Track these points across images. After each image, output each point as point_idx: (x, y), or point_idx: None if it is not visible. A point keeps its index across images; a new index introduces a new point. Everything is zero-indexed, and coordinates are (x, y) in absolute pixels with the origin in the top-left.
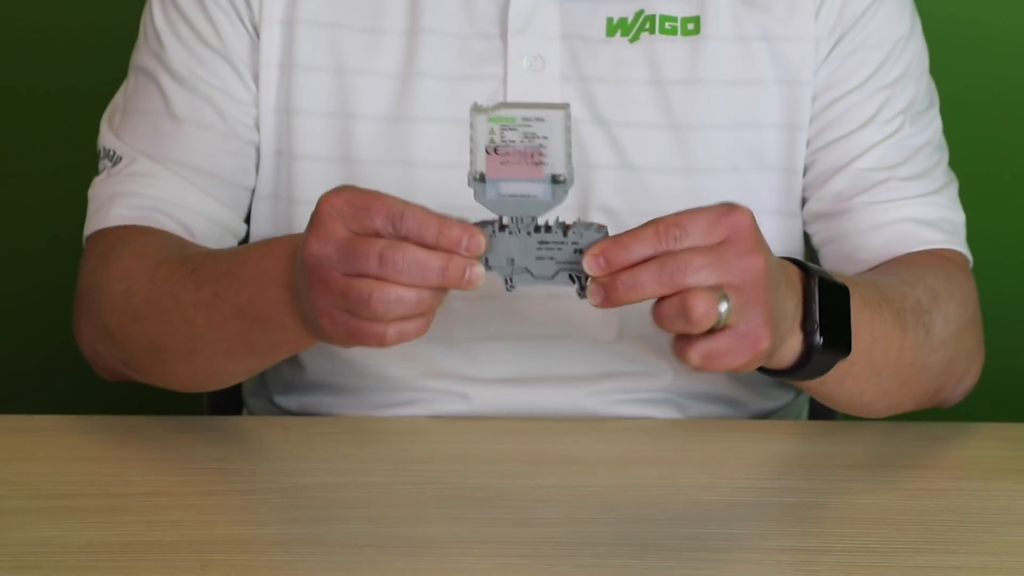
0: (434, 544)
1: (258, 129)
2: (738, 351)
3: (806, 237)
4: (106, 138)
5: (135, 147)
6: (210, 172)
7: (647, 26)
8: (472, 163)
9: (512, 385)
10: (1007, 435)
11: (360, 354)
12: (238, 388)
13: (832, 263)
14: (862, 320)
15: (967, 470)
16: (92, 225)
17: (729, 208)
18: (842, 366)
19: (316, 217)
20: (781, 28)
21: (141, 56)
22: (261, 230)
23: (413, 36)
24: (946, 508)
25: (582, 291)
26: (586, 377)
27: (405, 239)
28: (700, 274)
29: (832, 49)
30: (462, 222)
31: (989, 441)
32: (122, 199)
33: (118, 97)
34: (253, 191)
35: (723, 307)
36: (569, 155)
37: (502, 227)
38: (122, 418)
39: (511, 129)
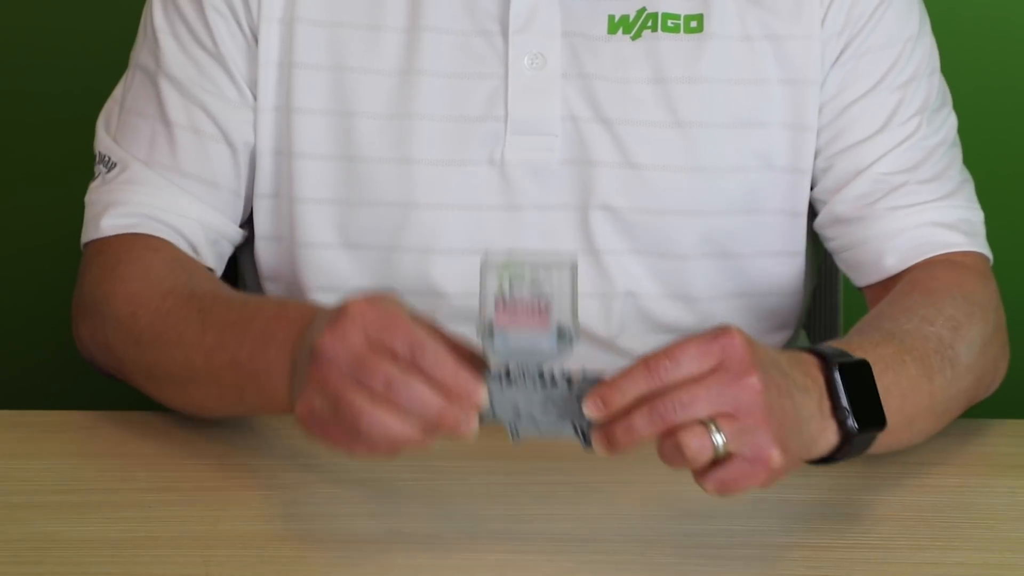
0: (437, 540)
1: (256, 130)
2: (750, 475)
3: (812, 236)
4: (102, 142)
5: (130, 151)
6: (204, 179)
7: (649, 23)
8: (481, 314)
9: None
10: (1010, 431)
11: None
12: None
13: (853, 269)
14: (888, 384)
15: (970, 466)
16: (88, 233)
17: (718, 332)
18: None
19: (340, 316)
20: (786, 27)
21: (141, 53)
22: (263, 229)
23: (413, 33)
24: (948, 504)
25: (586, 443)
26: None
27: (417, 367)
28: (690, 409)
29: (841, 52)
30: (469, 379)
31: (992, 437)
32: (116, 208)
33: (117, 91)
34: (253, 192)
35: (718, 439)
36: (575, 310)
37: (508, 376)
38: (124, 413)
39: (520, 280)
